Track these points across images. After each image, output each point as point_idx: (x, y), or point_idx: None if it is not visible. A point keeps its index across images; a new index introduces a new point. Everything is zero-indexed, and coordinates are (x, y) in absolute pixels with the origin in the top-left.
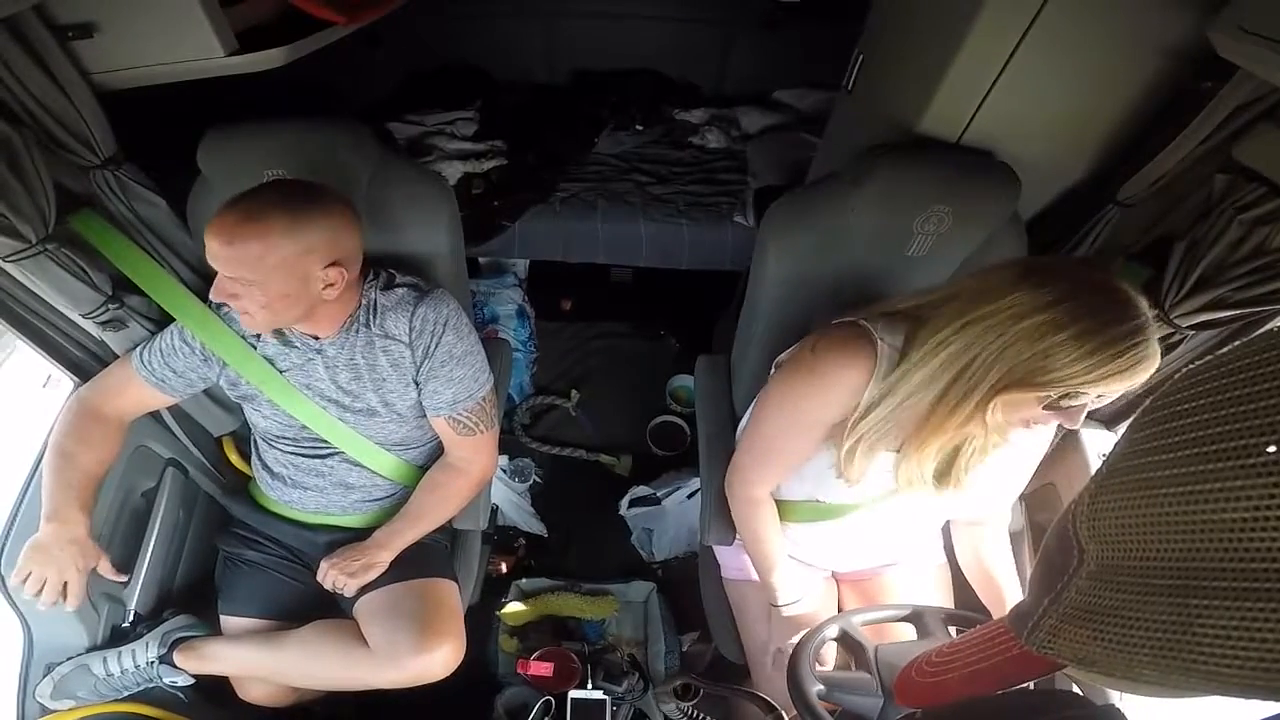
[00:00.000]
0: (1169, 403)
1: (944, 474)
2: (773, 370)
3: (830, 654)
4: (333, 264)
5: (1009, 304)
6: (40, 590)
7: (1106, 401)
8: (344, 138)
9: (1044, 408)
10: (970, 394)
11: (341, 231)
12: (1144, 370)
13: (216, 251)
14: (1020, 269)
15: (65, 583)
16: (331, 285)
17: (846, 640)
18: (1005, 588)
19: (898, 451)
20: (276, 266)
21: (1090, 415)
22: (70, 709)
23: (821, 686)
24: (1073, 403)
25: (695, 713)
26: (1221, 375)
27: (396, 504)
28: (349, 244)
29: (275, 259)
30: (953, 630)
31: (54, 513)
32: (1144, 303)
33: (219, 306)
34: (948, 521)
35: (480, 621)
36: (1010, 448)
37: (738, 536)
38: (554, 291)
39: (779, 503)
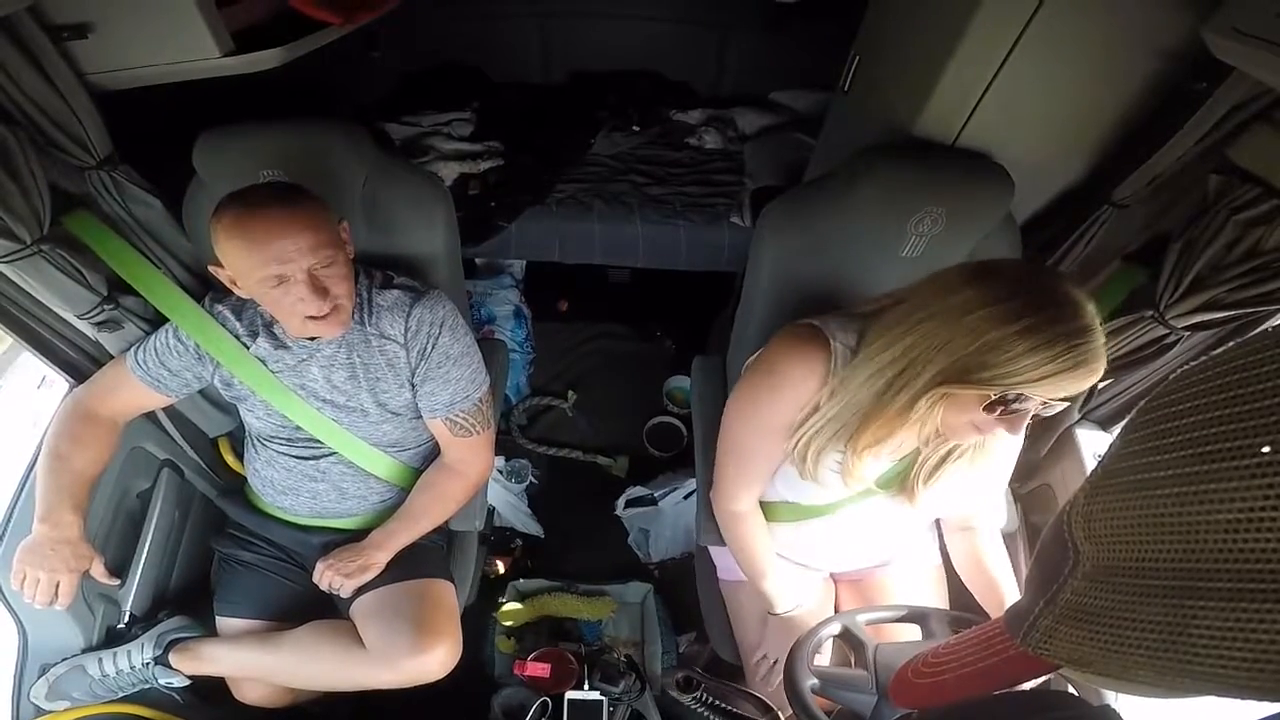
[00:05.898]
0: (1164, 403)
1: (900, 483)
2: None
3: (827, 650)
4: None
5: (955, 301)
6: (35, 592)
7: (1052, 412)
8: (340, 139)
9: (984, 409)
10: (909, 387)
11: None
12: (1083, 374)
13: (294, 247)
14: (971, 269)
15: (58, 583)
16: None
17: (849, 637)
18: (1005, 593)
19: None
20: (334, 231)
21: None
22: (65, 710)
23: (816, 680)
24: (1016, 406)
25: (708, 698)
26: (1217, 376)
27: (392, 506)
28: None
29: (329, 225)
30: None
31: (47, 514)
32: (1090, 308)
33: (213, 307)
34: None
35: (477, 622)
36: (969, 463)
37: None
38: (551, 292)
39: (760, 504)
